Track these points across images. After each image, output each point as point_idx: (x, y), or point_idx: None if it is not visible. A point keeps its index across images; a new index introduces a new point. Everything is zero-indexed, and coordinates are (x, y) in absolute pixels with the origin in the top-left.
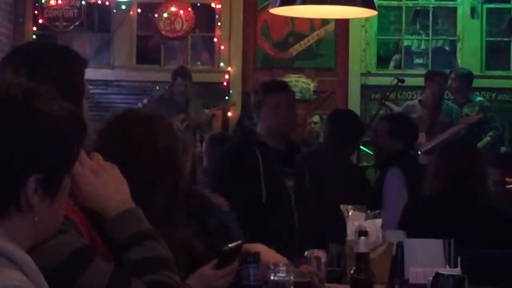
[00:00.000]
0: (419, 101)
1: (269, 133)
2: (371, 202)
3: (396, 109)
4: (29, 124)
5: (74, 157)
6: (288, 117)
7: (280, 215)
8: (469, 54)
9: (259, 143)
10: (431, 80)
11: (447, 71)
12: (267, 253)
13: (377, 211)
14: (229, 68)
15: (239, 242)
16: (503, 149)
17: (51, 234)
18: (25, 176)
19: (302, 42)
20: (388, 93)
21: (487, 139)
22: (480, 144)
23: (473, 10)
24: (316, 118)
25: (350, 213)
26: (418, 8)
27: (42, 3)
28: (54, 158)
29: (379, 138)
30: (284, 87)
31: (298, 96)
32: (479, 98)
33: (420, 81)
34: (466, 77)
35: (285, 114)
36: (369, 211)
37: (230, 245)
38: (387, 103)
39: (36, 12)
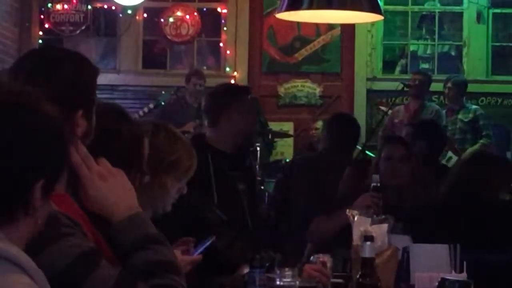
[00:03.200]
0: (405, 105)
1: (233, 136)
2: None
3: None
4: (37, 130)
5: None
6: (254, 120)
7: (233, 218)
8: (475, 59)
9: (209, 147)
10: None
11: (426, 72)
12: None
13: (383, 216)
14: (235, 73)
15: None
16: (508, 154)
17: (36, 233)
18: (33, 182)
19: (308, 47)
20: (393, 99)
21: (477, 145)
22: (470, 150)
23: (479, 15)
24: (319, 124)
25: (356, 218)
26: (424, 13)
27: (48, 8)
28: (57, 162)
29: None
30: (249, 91)
31: (304, 101)
32: (474, 106)
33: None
34: (463, 84)
35: (254, 117)
36: (375, 216)
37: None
38: (389, 112)
39: (42, 16)
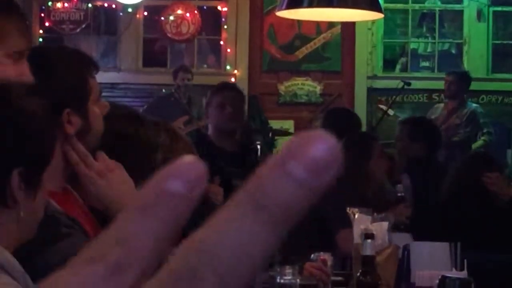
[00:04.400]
0: (444, 103)
1: (216, 132)
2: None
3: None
4: (9, 118)
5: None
6: (232, 115)
7: None
8: (475, 57)
9: (207, 142)
10: (445, 79)
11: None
12: None
13: (384, 214)
14: (236, 71)
15: None
16: (509, 152)
17: (33, 233)
18: (8, 170)
19: (308, 45)
20: (394, 97)
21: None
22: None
23: (479, 13)
24: (319, 122)
25: (356, 216)
26: (424, 11)
27: (48, 6)
28: (34, 152)
29: (398, 142)
30: (229, 87)
31: (304, 99)
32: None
33: (427, 84)
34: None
35: (230, 112)
36: (375, 214)
37: None
38: (389, 111)
39: (42, 15)
